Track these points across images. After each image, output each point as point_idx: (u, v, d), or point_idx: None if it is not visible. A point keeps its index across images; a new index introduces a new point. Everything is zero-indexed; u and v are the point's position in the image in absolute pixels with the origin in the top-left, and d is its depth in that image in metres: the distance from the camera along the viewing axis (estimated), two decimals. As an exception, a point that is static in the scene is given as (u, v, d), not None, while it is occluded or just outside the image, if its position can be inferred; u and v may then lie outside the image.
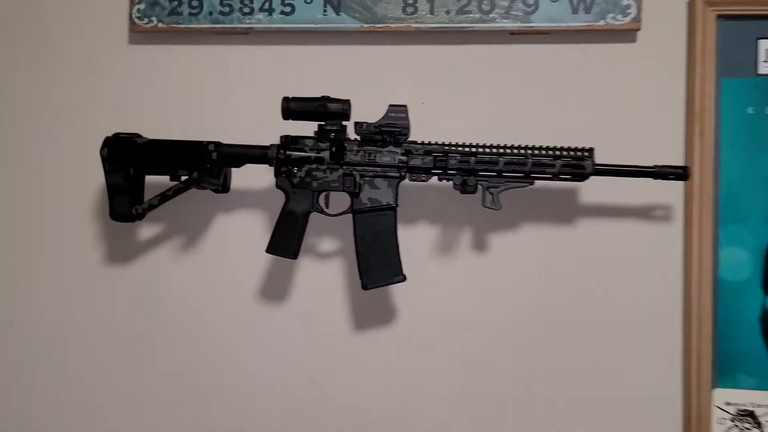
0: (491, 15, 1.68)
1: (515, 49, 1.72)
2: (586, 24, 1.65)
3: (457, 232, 1.73)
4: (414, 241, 1.70)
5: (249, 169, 1.66)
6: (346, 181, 1.60)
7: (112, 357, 1.79)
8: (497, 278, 1.71)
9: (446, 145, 1.58)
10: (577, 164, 1.54)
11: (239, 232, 1.77)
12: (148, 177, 1.67)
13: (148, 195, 1.65)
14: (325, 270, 1.75)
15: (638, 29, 1.65)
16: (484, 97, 1.73)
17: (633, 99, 1.66)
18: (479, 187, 1.57)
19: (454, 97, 1.73)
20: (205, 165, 1.61)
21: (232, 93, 1.78)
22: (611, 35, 1.66)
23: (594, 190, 1.67)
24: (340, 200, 1.63)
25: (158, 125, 1.76)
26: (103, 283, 1.80)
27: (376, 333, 1.74)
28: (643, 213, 1.68)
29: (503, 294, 1.71)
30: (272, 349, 1.76)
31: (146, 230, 1.79)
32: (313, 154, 1.59)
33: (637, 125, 1.65)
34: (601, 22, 1.65)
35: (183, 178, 1.63)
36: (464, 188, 1.56)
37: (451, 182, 1.57)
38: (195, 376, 1.77)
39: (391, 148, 1.59)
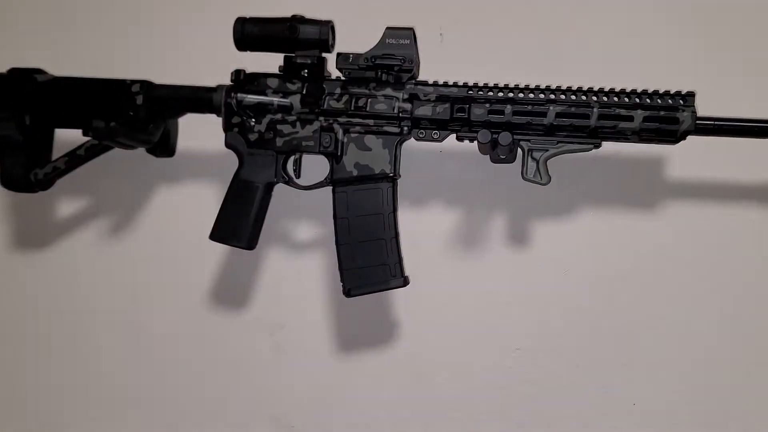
0: None
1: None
2: None
3: (484, 217, 1.22)
4: (422, 228, 1.23)
5: (205, 122, 1.18)
6: (323, 139, 1.11)
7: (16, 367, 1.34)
8: (540, 283, 1.22)
9: (469, 87, 1.08)
10: (667, 117, 1.02)
11: (188, 210, 1.31)
12: (60, 131, 1.20)
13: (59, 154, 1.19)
14: (301, 269, 1.28)
15: None
16: (520, 27, 1.22)
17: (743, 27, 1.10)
18: (518, 150, 1.05)
19: (482, 26, 1.22)
20: (126, 112, 1.14)
21: (173, 15, 1.31)
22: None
23: (689, 158, 1.14)
24: (316, 166, 1.14)
25: (73, 59, 1.30)
26: (3, 276, 1.35)
27: (368, 357, 1.27)
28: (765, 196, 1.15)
29: (548, 306, 1.21)
30: (228, 375, 1.29)
31: (61, 205, 1.35)
32: (276, 99, 1.11)
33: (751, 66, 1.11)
34: None
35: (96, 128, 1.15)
36: (495, 151, 1.05)
37: (475, 142, 1.07)
38: (123, 404, 1.31)
39: (389, 90, 1.09)
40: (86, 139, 1.16)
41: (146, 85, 1.15)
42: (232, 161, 1.25)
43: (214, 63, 1.20)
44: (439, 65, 1.12)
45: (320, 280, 1.26)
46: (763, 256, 1.17)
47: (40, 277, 1.34)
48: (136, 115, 1.15)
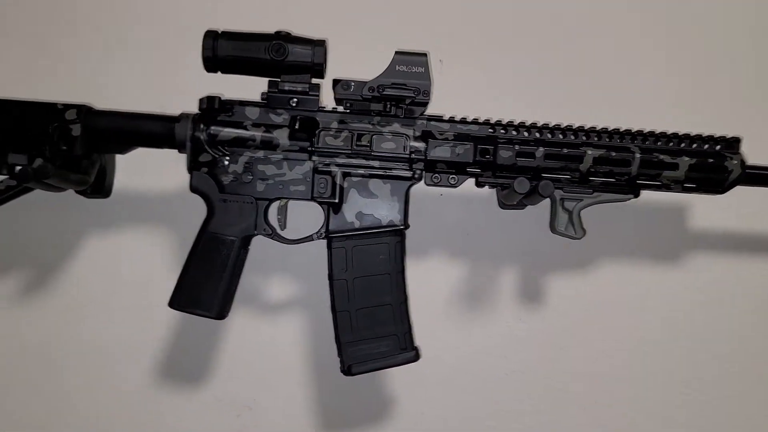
0: None
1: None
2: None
3: (494, 271, 1.06)
4: (421, 284, 1.03)
5: (148, 156, 0.93)
6: (318, 183, 0.91)
7: None
8: (558, 347, 1.06)
9: (492, 124, 0.92)
10: (715, 165, 0.90)
11: (128, 263, 1.06)
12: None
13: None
14: (275, 336, 1.05)
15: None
16: (534, 53, 1.08)
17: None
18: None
19: (488, 51, 1.08)
20: (57, 146, 0.88)
21: (122, 27, 1.06)
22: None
23: (718, 207, 1.04)
24: (306, 215, 0.94)
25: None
26: None
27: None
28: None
29: (566, 372, 1.06)
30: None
31: (-40, 259, 1.04)
32: (258, 134, 0.89)
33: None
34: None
35: (18, 168, 0.88)
36: (529, 200, 0.89)
37: (493, 190, 0.91)
38: None
39: (397, 126, 0.91)
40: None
41: (85, 111, 0.90)
42: (185, 202, 1.04)
43: (176, 87, 0.97)
44: (439, 96, 0.96)
45: (297, 349, 1.05)
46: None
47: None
48: (70, 151, 0.89)
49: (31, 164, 0.85)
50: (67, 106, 0.90)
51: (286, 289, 1.05)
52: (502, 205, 1.00)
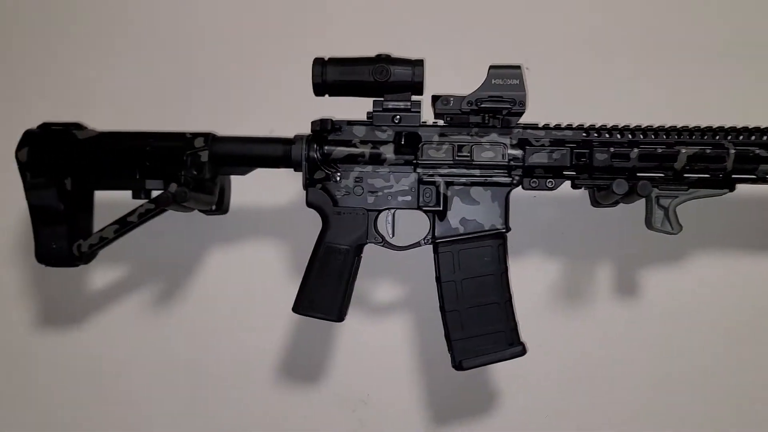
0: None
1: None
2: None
3: (589, 269, 1.11)
4: (520, 283, 1.07)
5: (260, 175, 1.02)
6: (423, 193, 0.98)
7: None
8: (655, 340, 1.10)
9: (586, 129, 0.96)
10: (812, 156, 0.93)
11: (246, 274, 1.15)
12: (99, 193, 1.03)
13: (99, 222, 1.02)
14: (385, 336, 1.13)
15: None
16: (620, 56, 1.11)
17: None
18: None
19: (572, 58, 1.12)
20: (190, 172, 0.98)
21: (223, 55, 1.16)
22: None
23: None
24: (412, 224, 1.01)
25: (109, 110, 1.13)
26: (37, 357, 1.16)
27: None
28: None
29: (665, 365, 1.09)
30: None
31: (97, 276, 1.16)
32: (367, 150, 0.97)
33: None
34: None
35: (154, 193, 0.99)
36: (626, 200, 0.94)
37: (583, 191, 0.96)
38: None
39: (494, 136, 0.97)
40: (136, 202, 1.00)
41: (211, 139, 1.00)
42: (295, 216, 1.12)
43: (280, 111, 1.06)
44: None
45: (405, 347, 1.12)
46: None
47: (72, 359, 1.15)
48: (200, 174, 0.99)
49: (169, 189, 0.96)
50: (195, 135, 0.99)
51: (392, 291, 1.13)
52: (595, 203, 1.04)
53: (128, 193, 1.00)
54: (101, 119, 1.06)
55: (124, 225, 0.99)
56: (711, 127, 0.95)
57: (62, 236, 0.99)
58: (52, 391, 1.15)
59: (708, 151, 0.93)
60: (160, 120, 1.09)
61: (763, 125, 0.94)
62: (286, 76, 1.15)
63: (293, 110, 1.11)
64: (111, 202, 1.02)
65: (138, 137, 1.00)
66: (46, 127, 1.01)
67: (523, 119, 0.97)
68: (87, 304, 1.16)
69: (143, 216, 0.99)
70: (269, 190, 1.14)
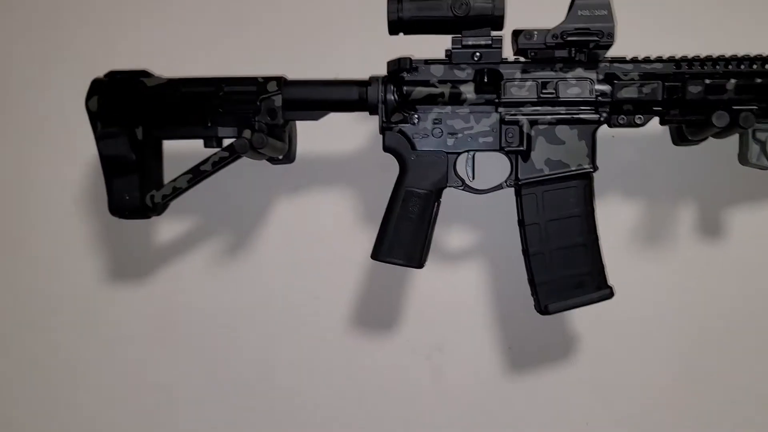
0: None
1: None
2: None
3: (669, 208, 1.07)
4: (600, 227, 1.04)
5: (325, 122, 1.00)
6: (506, 133, 0.94)
7: (128, 401, 1.16)
8: (739, 280, 1.07)
9: (677, 61, 0.92)
10: None
11: (315, 223, 1.13)
12: (168, 142, 1.01)
13: (169, 172, 0.99)
14: (459, 281, 1.11)
15: None
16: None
17: None
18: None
19: None
20: (264, 117, 0.95)
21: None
22: None
23: None
24: (493, 166, 0.98)
25: (172, 58, 1.11)
26: (107, 311, 1.16)
27: (544, 377, 1.11)
28: None
29: (752, 304, 1.06)
30: (383, 408, 1.13)
31: (166, 227, 1.15)
32: (447, 90, 0.93)
33: None
34: None
35: (226, 141, 0.96)
36: (724, 134, 0.90)
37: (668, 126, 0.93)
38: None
39: (580, 71, 0.93)
40: (209, 151, 0.98)
41: (283, 83, 0.97)
42: (358, 164, 1.10)
43: (345, 52, 1.03)
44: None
45: (479, 293, 1.11)
46: None
47: (143, 311, 1.15)
48: (275, 120, 0.96)
49: (245, 135, 0.93)
50: (267, 79, 0.96)
51: (466, 237, 1.10)
52: (679, 141, 1.00)
53: (190, 143, 0.99)
54: (156, 69, 1.03)
55: (197, 174, 0.97)
56: (811, 53, 0.90)
57: (135, 186, 0.97)
58: (123, 343, 1.15)
59: (811, 78, 0.89)
60: (221, 70, 1.05)
61: None
62: (344, 16, 1.11)
63: (359, 53, 1.08)
64: (181, 153, 1.00)
65: (209, 82, 0.97)
66: (112, 75, 0.98)
67: (610, 53, 0.92)
68: (156, 256, 1.14)
69: (217, 164, 0.97)
70: (337, 136, 1.10)
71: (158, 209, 0.99)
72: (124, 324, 1.15)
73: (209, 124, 0.97)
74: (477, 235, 1.10)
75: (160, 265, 1.15)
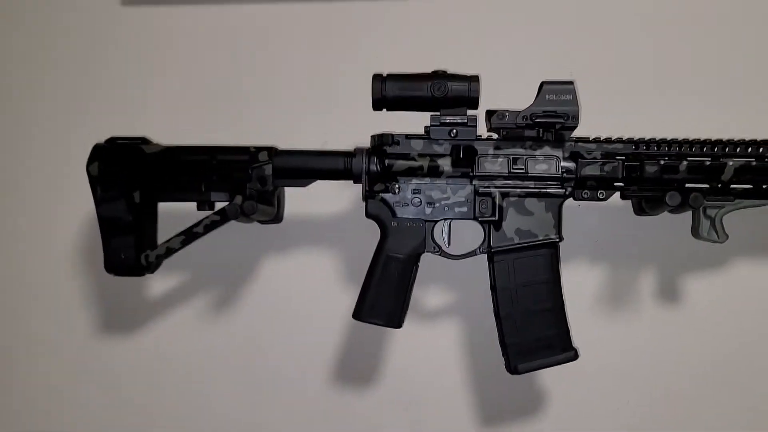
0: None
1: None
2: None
3: (634, 273, 1.15)
4: (567, 291, 1.11)
5: (313, 186, 1.07)
6: (480, 204, 1.02)
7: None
8: (695, 343, 1.15)
9: (636, 142, 1.01)
10: None
11: (300, 281, 1.19)
12: (163, 205, 1.07)
13: (163, 233, 1.06)
14: (436, 339, 1.17)
15: None
16: (668, 68, 1.16)
17: None
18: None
19: (619, 70, 1.16)
20: (254, 184, 1.02)
21: (282, 73, 1.20)
22: None
23: None
24: (467, 233, 1.05)
25: (169, 124, 1.19)
26: (101, 360, 1.21)
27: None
28: None
29: (707, 367, 1.13)
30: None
31: (159, 283, 1.20)
32: (426, 163, 1.01)
33: None
34: None
35: (218, 205, 1.03)
36: (676, 210, 0.99)
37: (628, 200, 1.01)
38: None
39: (547, 149, 1.01)
40: (202, 214, 1.04)
41: (273, 153, 1.04)
42: (343, 226, 1.17)
43: (330, 123, 1.11)
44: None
45: (455, 351, 1.17)
46: None
47: (131, 364, 1.20)
48: (265, 187, 1.03)
49: (236, 202, 0.99)
50: (259, 149, 1.03)
51: (443, 298, 1.17)
52: (639, 212, 1.09)
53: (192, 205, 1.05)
54: (155, 136, 1.09)
55: (190, 236, 1.03)
56: (756, 140, 0.99)
57: (130, 247, 1.03)
58: (115, 394, 1.20)
59: (753, 163, 0.97)
60: (215, 136, 1.12)
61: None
62: (338, 90, 1.19)
63: (343, 124, 1.16)
64: (174, 214, 1.06)
65: (203, 151, 1.04)
66: (113, 141, 1.05)
67: (575, 132, 1.01)
68: (148, 311, 1.20)
69: (209, 227, 1.03)
70: (322, 200, 1.17)
71: (152, 268, 1.05)
72: (115, 373, 1.20)
73: (203, 190, 1.03)
74: (454, 296, 1.17)
75: (151, 318, 1.20)
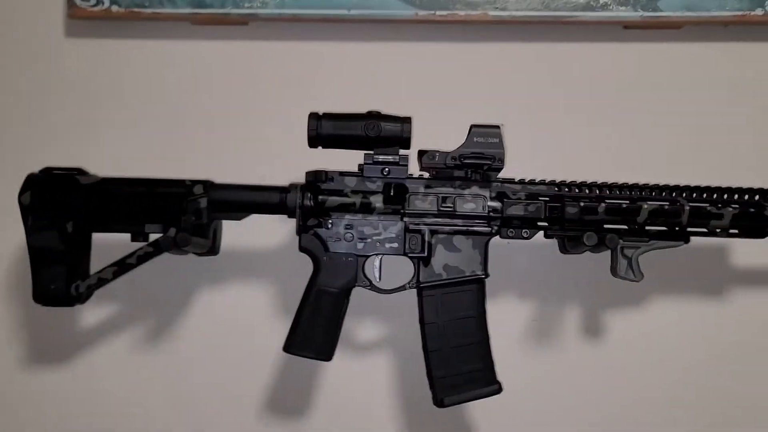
0: (602, 0, 1.18)
1: (630, 50, 1.22)
2: (737, 13, 1.18)
3: (558, 310, 1.19)
4: (494, 324, 1.14)
5: (249, 219, 1.10)
6: (409, 241, 1.05)
7: None
8: (618, 379, 1.19)
9: (559, 185, 1.06)
10: (755, 214, 1.04)
11: (235, 313, 1.19)
12: (97, 235, 1.07)
13: (96, 262, 1.06)
14: (366, 372, 1.18)
15: (813, 22, 1.18)
16: (588, 117, 1.22)
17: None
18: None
19: (546, 116, 1.22)
20: (189, 217, 1.03)
21: (223, 109, 1.22)
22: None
23: (756, 248, 1.17)
24: (397, 269, 1.08)
25: (111, 156, 1.19)
26: (28, 395, 1.18)
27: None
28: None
29: (629, 403, 1.18)
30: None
31: (90, 314, 1.19)
32: (358, 200, 1.04)
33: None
34: (758, 11, 1.18)
35: (152, 237, 1.04)
36: (594, 250, 1.04)
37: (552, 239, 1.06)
38: None
39: (475, 189, 1.05)
40: (134, 245, 1.05)
41: (209, 186, 1.05)
42: (277, 259, 1.19)
43: (272, 159, 1.14)
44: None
45: (387, 383, 1.19)
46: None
47: (62, 396, 1.18)
48: (199, 220, 1.04)
49: (169, 234, 1.01)
50: (194, 182, 1.05)
51: (375, 331, 1.19)
52: (564, 251, 1.14)
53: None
54: (96, 167, 1.10)
55: (122, 267, 1.04)
56: (669, 185, 1.06)
57: (61, 277, 1.03)
58: (41, 427, 1.17)
59: (666, 206, 1.03)
60: (154, 169, 1.13)
61: (716, 183, 1.06)
62: (276, 128, 1.22)
63: (281, 158, 1.18)
64: (108, 244, 1.07)
65: (139, 183, 1.05)
66: (48, 171, 1.05)
67: (504, 173, 1.06)
68: (78, 342, 1.19)
69: (142, 258, 1.04)
70: (258, 233, 1.19)
71: (82, 299, 1.04)
72: (44, 406, 1.18)
73: (138, 221, 1.04)
74: (387, 329, 1.19)
75: (82, 350, 1.19)
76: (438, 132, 1.10)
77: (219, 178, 1.07)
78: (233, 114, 1.23)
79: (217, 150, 1.22)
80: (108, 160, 1.16)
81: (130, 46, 1.23)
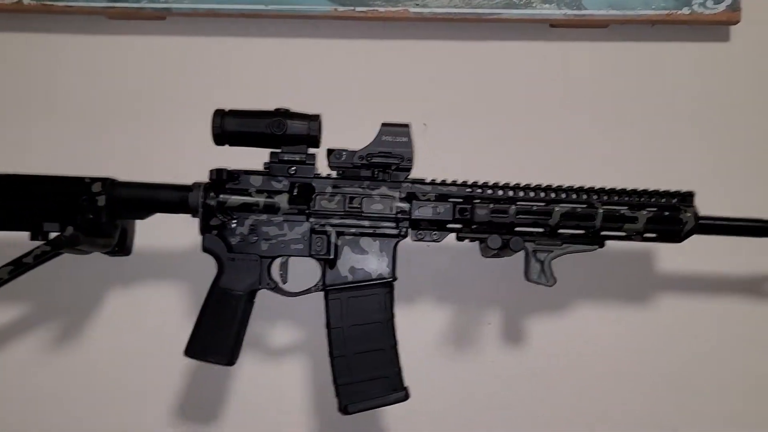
0: (526, -3, 1.15)
1: (556, 49, 1.20)
2: (663, 12, 1.16)
3: (477, 315, 1.16)
4: (411, 329, 1.12)
5: (164, 219, 1.06)
6: (315, 242, 1.02)
7: None
8: (538, 384, 1.15)
9: (469, 186, 1.02)
10: (670, 217, 1.01)
11: (147, 316, 1.17)
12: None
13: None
14: (280, 378, 1.15)
15: (736, 22, 1.15)
16: (510, 117, 1.19)
17: (729, 121, 1.17)
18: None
19: (467, 116, 1.19)
20: (86, 215, 1.00)
21: (137, 105, 1.19)
22: (698, 30, 1.20)
23: (680, 254, 1.14)
24: (305, 270, 1.04)
25: (18, 153, 1.16)
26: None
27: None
28: (751, 287, 1.15)
29: (546, 405, 1.15)
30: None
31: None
32: (262, 200, 1.01)
33: (735, 160, 1.17)
34: (685, 10, 1.16)
35: (52, 235, 1.00)
36: (503, 253, 1.00)
37: (475, 242, 1.03)
38: None
39: (384, 189, 1.02)
40: (33, 243, 1.01)
41: (109, 184, 1.02)
42: (196, 259, 1.14)
43: (188, 159, 1.10)
44: (422, 156, 1.06)
45: (302, 391, 1.15)
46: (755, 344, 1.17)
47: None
48: (97, 219, 1.01)
49: (63, 232, 0.97)
50: (93, 180, 1.02)
51: (288, 335, 1.16)
52: (484, 254, 1.10)
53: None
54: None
55: (19, 266, 1.00)
56: (582, 187, 1.02)
57: (-45, 276, 1.00)
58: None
59: (579, 209, 1.00)
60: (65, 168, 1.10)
61: (632, 186, 1.03)
62: (194, 125, 1.19)
63: (200, 158, 1.15)
64: (9, 242, 1.04)
65: (36, 181, 1.02)
66: (-58, 166, 1.02)
67: (420, 174, 1.03)
68: (-18, 343, 1.15)
69: (39, 258, 1.00)
70: (172, 233, 1.15)
71: (-23, 298, 1.01)
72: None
73: (35, 219, 1.01)
74: (300, 334, 1.16)
75: (-14, 351, 1.16)
76: (356, 131, 1.07)
77: (134, 176, 1.04)
78: (149, 110, 1.20)
79: (132, 147, 1.19)
80: (13, 156, 1.12)
81: (43, 41, 1.20)
